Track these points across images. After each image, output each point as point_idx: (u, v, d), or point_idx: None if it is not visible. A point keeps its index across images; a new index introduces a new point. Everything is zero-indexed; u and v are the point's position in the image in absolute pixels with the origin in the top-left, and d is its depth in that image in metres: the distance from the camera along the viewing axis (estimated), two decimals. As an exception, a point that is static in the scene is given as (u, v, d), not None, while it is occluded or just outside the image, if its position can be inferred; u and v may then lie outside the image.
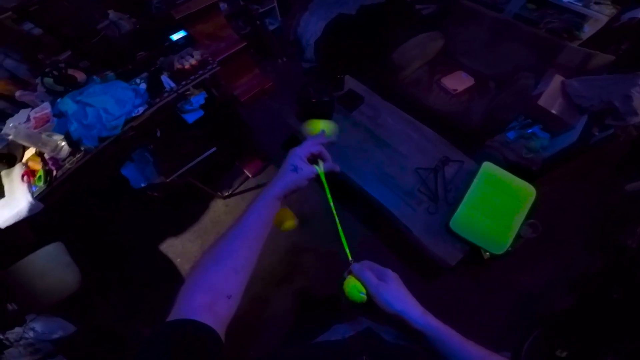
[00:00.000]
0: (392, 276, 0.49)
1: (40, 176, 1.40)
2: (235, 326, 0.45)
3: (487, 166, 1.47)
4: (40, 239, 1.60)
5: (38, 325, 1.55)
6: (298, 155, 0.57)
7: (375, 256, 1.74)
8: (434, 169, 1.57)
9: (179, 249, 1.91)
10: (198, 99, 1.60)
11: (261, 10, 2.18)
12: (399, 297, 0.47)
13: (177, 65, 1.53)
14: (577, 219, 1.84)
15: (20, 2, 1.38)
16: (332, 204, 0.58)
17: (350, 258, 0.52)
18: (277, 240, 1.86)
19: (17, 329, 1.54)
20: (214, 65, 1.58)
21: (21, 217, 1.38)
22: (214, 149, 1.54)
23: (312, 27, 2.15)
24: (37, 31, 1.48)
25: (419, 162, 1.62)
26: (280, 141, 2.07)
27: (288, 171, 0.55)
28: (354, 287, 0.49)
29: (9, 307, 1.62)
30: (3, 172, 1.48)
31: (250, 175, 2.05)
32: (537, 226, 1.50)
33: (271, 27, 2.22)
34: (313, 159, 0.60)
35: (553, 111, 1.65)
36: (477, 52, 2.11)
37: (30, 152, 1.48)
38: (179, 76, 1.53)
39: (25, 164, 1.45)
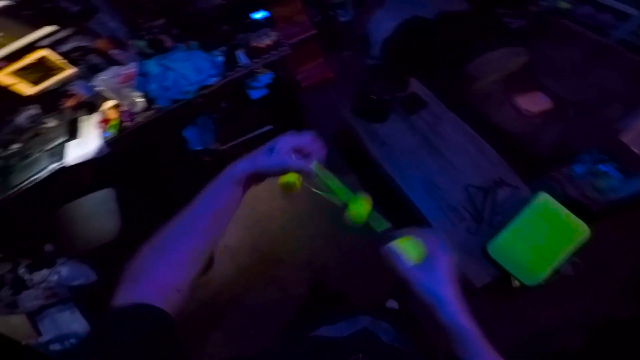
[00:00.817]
0: (441, 258, 0.46)
1: (113, 124, 1.59)
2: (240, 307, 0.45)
3: (543, 197, 1.40)
4: (95, 184, 1.79)
5: (64, 270, 1.74)
6: (284, 140, 0.48)
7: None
8: (485, 189, 1.52)
9: None
10: (265, 78, 1.70)
11: (335, 1, 2.23)
12: (439, 284, 0.43)
13: (253, 43, 1.64)
14: (622, 266, 1.70)
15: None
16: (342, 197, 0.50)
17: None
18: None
19: (44, 271, 1.75)
20: (286, 48, 1.66)
21: (88, 158, 1.59)
22: (271, 127, 1.62)
23: (384, 24, 2.16)
24: None
25: (472, 178, 1.57)
26: (330, 132, 2.12)
27: (261, 152, 0.48)
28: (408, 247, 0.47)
29: (47, 247, 1.83)
30: (83, 117, 1.70)
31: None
32: (578, 265, 1.40)
33: (342, 19, 2.27)
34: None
35: (636, 150, 1.50)
36: (563, 75, 1.96)
37: (109, 103, 1.68)
38: (253, 53, 1.63)
39: (103, 113, 1.66)
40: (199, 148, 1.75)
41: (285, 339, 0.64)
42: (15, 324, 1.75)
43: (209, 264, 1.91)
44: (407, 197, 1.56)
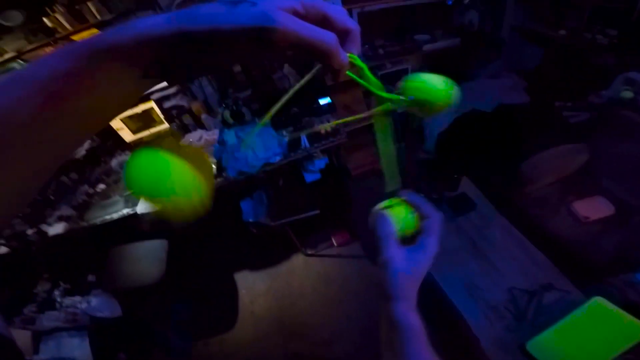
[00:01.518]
0: (427, 252, 0.40)
1: (186, 185, 1.85)
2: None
3: (598, 300, 1.33)
4: (152, 234, 1.99)
5: (95, 300, 1.87)
6: None
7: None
8: (531, 292, 1.46)
9: (249, 283, 2.17)
10: (320, 162, 1.89)
11: (394, 92, 2.44)
12: (409, 282, 0.39)
13: (315, 128, 1.86)
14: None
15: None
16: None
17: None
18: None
19: (77, 297, 1.88)
20: (343, 137, 1.84)
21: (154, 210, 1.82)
22: (317, 211, 1.75)
23: (440, 118, 2.28)
24: (237, 68, 1.98)
25: (517, 282, 1.51)
26: None
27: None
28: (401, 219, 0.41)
29: (89, 278, 2.00)
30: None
31: (335, 244, 2.22)
32: None
33: (398, 111, 2.45)
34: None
35: None
36: (627, 176, 1.85)
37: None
38: (313, 138, 1.84)
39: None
40: (251, 220, 1.91)
41: None
42: (17, 337, 1.87)
43: (231, 324, 2.02)
44: (445, 294, 1.54)
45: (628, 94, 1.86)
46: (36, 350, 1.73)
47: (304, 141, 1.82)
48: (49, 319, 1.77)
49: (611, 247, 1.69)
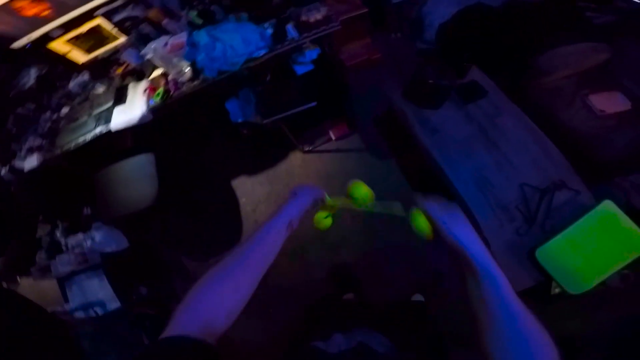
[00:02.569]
0: (459, 210, 0.54)
1: (159, 93, 1.65)
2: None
3: (608, 205, 1.30)
4: (136, 149, 1.87)
5: (98, 235, 1.82)
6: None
7: (431, 256, 1.79)
8: (542, 190, 1.42)
9: (248, 189, 2.10)
10: (311, 53, 1.69)
11: (389, -20, 2.19)
12: (466, 232, 0.50)
13: (303, 18, 1.63)
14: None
15: None
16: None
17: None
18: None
19: (79, 235, 1.84)
20: (336, 24, 1.63)
21: (131, 124, 1.65)
22: (314, 103, 1.60)
23: (441, 9, 2.07)
24: None
25: (529, 177, 1.48)
26: (372, 114, 2.11)
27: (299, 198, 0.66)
28: (422, 222, 0.55)
29: (85, 211, 1.95)
30: (131, 84, 1.78)
31: (333, 138, 2.14)
32: (629, 278, 1.28)
33: (394, 1, 2.22)
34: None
35: None
36: None
37: (157, 72, 1.75)
38: (302, 28, 1.62)
39: (151, 81, 1.73)
40: (240, 120, 1.77)
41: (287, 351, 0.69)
42: (45, 289, 1.89)
43: (237, 237, 2.01)
44: (455, 190, 1.50)
45: None
46: (65, 299, 1.73)
47: (291, 31, 1.60)
48: (62, 264, 1.75)
49: (624, 144, 1.65)
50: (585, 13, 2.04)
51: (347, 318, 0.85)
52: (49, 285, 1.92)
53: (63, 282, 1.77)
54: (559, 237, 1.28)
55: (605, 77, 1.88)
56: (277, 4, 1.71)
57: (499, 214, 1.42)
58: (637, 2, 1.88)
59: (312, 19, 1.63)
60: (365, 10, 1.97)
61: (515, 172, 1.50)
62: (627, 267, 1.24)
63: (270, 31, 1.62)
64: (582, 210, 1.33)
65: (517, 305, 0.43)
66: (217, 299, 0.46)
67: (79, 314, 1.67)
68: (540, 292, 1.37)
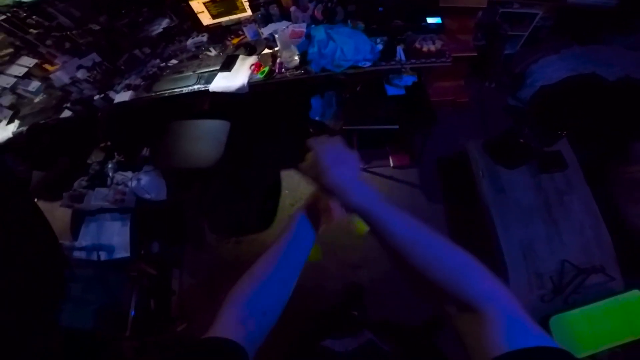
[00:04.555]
0: (353, 160, 0.51)
1: (264, 71, 1.81)
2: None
3: (635, 294, 1.37)
4: (212, 113, 2.00)
5: (145, 179, 1.86)
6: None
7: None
8: (580, 269, 1.46)
9: (294, 184, 2.19)
10: (408, 79, 1.77)
11: (509, 33, 2.18)
12: (347, 176, 0.48)
13: (417, 45, 1.71)
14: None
15: None
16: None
17: None
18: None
19: (129, 173, 1.88)
20: (447, 60, 1.70)
21: (229, 91, 1.82)
22: (397, 127, 1.67)
23: (550, 71, 2.04)
24: None
25: (573, 256, 1.50)
26: (439, 154, 2.13)
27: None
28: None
29: (144, 152, 2.00)
30: (241, 56, 1.96)
31: (392, 165, 2.18)
32: (617, 355, 1.33)
33: (505, 52, 2.20)
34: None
35: None
36: None
37: (267, 51, 1.92)
38: (411, 53, 1.71)
39: (260, 58, 1.90)
40: (317, 118, 1.89)
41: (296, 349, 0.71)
42: (57, 219, 1.87)
43: (267, 225, 2.06)
44: (500, 247, 1.54)
45: None
46: (76, 234, 1.76)
47: (400, 53, 1.68)
48: (97, 197, 1.79)
49: None
50: None
51: (354, 326, 0.86)
52: (62, 217, 1.94)
53: (84, 216, 1.80)
54: (576, 311, 1.36)
55: None
56: (397, 26, 1.79)
57: (531, 279, 1.48)
58: None
59: (424, 48, 1.71)
60: (475, 54, 2.00)
61: (563, 248, 1.53)
62: (622, 346, 1.30)
63: (380, 47, 1.73)
64: (608, 293, 1.40)
65: (418, 225, 0.43)
66: (252, 297, 0.47)
67: (80, 254, 1.66)
68: None
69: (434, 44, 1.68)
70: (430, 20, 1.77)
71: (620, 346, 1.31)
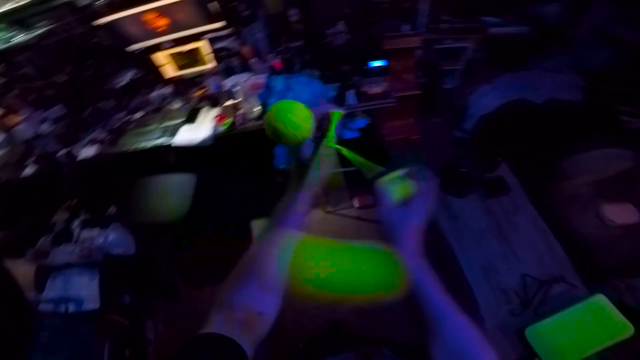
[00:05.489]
0: (419, 208, 0.49)
1: (227, 122, 1.87)
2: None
3: (599, 297, 1.41)
4: (177, 167, 2.02)
5: (113, 235, 1.82)
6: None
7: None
8: (542, 281, 1.54)
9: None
10: (361, 122, 1.89)
11: (446, 68, 2.39)
12: (404, 232, 0.48)
13: (365, 88, 1.84)
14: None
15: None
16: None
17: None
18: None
19: (95, 231, 1.84)
20: (392, 101, 1.84)
21: (192, 144, 1.83)
22: (353, 168, 1.76)
23: (486, 100, 2.24)
24: (294, 18, 1.96)
25: (531, 270, 1.58)
26: None
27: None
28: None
29: (110, 209, 1.94)
30: (204, 108, 2.03)
31: (356, 205, 2.23)
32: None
33: (445, 87, 2.41)
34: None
35: None
36: None
37: (229, 102, 2.00)
38: (361, 97, 1.83)
39: (223, 109, 1.97)
40: (281, 167, 1.94)
41: None
42: (20, 274, 1.78)
43: None
44: (462, 272, 1.61)
45: None
46: (41, 288, 1.70)
47: (350, 98, 1.81)
48: (62, 253, 1.75)
49: (626, 253, 1.71)
50: (620, 117, 2.11)
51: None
52: (25, 273, 1.84)
53: (50, 271, 1.74)
54: (549, 319, 1.39)
55: (621, 187, 1.93)
56: (346, 71, 1.94)
57: (498, 296, 1.53)
58: None
59: (371, 91, 1.85)
60: (418, 91, 2.16)
61: (520, 264, 1.61)
62: (609, 349, 1.31)
63: (332, 93, 1.85)
64: (575, 300, 1.43)
65: (449, 306, 0.45)
66: (245, 297, 0.45)
67: (47, 306, 1.63)
68: None
69: (379, 86, 1.83)
70: (375, 63, 1.91)
71: (608, 350, 1.32)
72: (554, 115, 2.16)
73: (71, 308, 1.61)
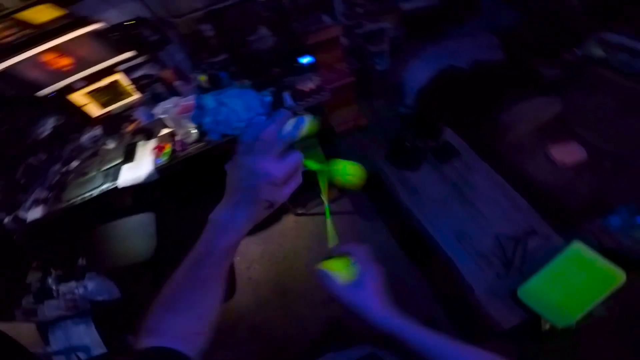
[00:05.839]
0: (369, 273, 0.49)
1: (166, 152, 1.76)
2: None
3: (576, 245, 1.43)
4: (136, 207, 1.90)
5: (91, 284, 1.78)
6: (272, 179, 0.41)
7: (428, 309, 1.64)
8: (516, 238, 1.55)
9: (242, 249, 2.09)
10: (303, 119, 1.85)
11: (373, 50, 2.44)
12: (367, 298, 0.47)
13: (299, 86, 1.82)
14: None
15: (209, 3, 1.73)
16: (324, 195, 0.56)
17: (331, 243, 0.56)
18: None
19: (72, 283, 1.78)
20: (327, 93, 1.82)
21: (138, 182, 1.72)
22: (306, 169, 1.73)
23: (419, 74, 2.31)
24: (209, 33, 1.89)
25: (502, 228, 1.60)
26: None
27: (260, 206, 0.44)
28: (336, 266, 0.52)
29: (80, 262, 1.87)
30: (140, 142, 1.89)
31: (325, 202, 2.19)
32: (613, 308, 1.39)
33: (378, 68, 2.46)
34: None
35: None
36: (599, 125, 1.97)
37: (165, 131, 1.88)
38: (297, 96, 1.80)
39: (159, 140, 1.85)
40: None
41: None
42: (24, 332, 1.75)
43: (231, 293, 1.99)
44: (437, 243, 1.61)
45: (600, 52, 1.97)
46: (47, 342, 1.68)
47: (287, 99, 1.77)
48: (50, 309, 1.71)
49: (586, 191, 1.81)
50: (538, 69, 2.27)
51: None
52: (28, 329, 1.80)
53: (47, 326, 1.71)
54: (535, 276, 1.38)
55: (561, 128, 2.07)
56: (276, 73, 1.90)
57: (478, 261, 1.53)
58: (579, 54, 2.07)
59: (306, 88, 1.82)
60: (353, 79, 2.18)
61: (489, 224, 1.63)
62: (610, 298, 1.31)
63: (269, 98, 1.79)
64: (554, 252, 1.44)
65: (442, 343, 0.44)
66: (180, 319, 0.42)
67: (60, 358, 1.63)
68: (532, 331, 1.45)
69: (312, 81, 1.81)
70: (303, 60, 1.89)
71: (610, 299, 1.30)
72: (481, 75, 2.27)
73: (82, 356, 1.64)
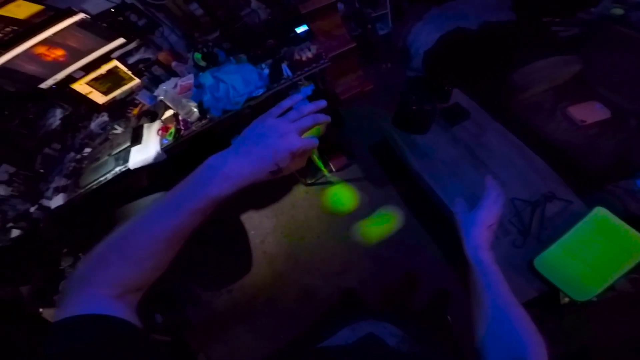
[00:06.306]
0: (486, 212, 0.60)
1: (171, 132, 1.75)
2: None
3: (600, 212, 1.29)
4: (152, 187, 1.96)
5: None
6: (275, 120, 0.44)
7: (440, 277, 1.61)
8: (533, 203, 1.43)
9: (256, 222, 2.16)
10: (306, 90, 1.78)
11: (374, 15, 2.30)
12: (473, 235, 0.57)
13: (296, 57, 1.73)
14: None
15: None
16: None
17: None
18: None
19: None
20: (326, 61, 1.73)
21: (147, 163, 1.74)
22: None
23: (424, 36, 2.17)
24: (199, 12, 1.84)
25: (518, 192, 1.48)
26: (369, 142, 2.16)
27: (245, 153, 0.41)
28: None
29: None
30: (146, 125, 1.89)
31: (334, 170, 2.19)
32: (638, 282, 1.25)
33: (381, 32, 2.33)
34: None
35: None
36: (621, 83, 1.82)
37: (169, 112, 1.86)
38: (295, 66, 1.72)
39: (163, 121, 1.84)
40: None
41: (288, 351, 0.61)
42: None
43: (248, 267, 2.03)
44: (448, 210, 1.53)
45: (618, 11, 1.84)
46: None
47: (286, 70, 1.71)
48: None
49: (609, 151, 1.68)
50: (551, 28, 2.12)
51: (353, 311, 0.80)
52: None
53: None
54: (554, 246, 1.27)
55: (581, 88, 1.93)
56: (272, 45, 1.83)
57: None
58: (596, 13, 1.94)
59: (304, 58, 1.73)
60: (354, 44, 2.07)
61: (504, 187, 1.49)
62: (635, 271, 1.19)
63: (267, 71, 1.73)
64: (575, 218, 1.31)
65: (507, 298, 0.49)
66: (123, 276, 0.39)
67: None
68: (550, 304, 1.36)
69: (309, 50, 1.73)
70: (298, 29, 1.80)
71: (634, 271, 1.18)
72: (492, 36, 2.14)
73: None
